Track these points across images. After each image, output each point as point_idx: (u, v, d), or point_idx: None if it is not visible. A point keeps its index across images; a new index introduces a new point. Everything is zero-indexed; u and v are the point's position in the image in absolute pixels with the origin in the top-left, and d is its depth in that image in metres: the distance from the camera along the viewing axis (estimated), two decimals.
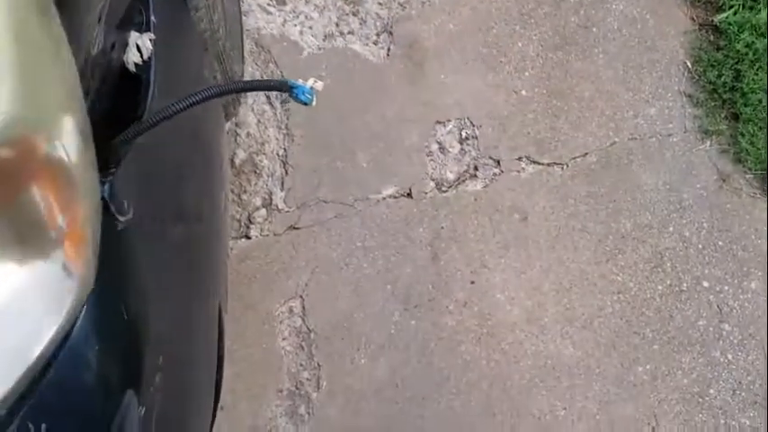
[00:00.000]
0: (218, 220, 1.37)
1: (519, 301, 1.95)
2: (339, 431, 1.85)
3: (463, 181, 2.03)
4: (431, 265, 1.95)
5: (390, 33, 2.08)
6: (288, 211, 1.96)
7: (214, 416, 1.37)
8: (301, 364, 1.89)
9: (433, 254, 1.96)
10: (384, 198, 1.99)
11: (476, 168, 2.04)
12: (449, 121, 2.06)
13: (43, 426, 0.77)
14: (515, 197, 2.02)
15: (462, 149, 2.05)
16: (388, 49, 2.09)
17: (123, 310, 0.88)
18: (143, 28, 1.07)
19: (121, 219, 0.88)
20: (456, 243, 1.97)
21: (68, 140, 0.77)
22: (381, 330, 1.91)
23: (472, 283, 1.96)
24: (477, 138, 2.06)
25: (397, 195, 2.00)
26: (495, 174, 2.04)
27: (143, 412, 0.89)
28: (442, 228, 1.98)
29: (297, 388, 1.88)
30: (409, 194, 2.00)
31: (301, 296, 1.92)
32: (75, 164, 0.78)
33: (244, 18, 1.90)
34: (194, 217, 1.24)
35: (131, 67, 1.05)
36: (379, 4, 2.08)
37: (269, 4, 1.97)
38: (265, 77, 1.92)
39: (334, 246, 1.95)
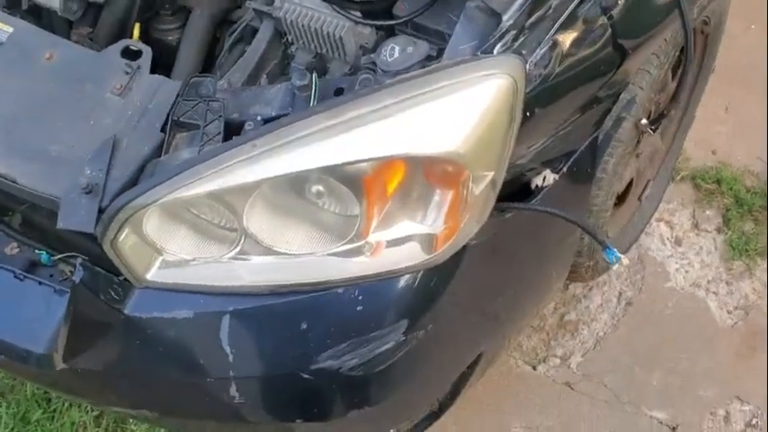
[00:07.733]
0: None
1: None
2: None
3: None
4: None
5: (747, 313, 2.31)
6: (572, 371, 2.32)
7: None
8: None
9: None
10: (651, 416, 2.24)
11: None
12: (748, 402, 2.23)
13: None
14: None
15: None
16: (735, 323, 2.34)
17: None
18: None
19: None
20: None
21: (479, 184, 1.24)
22: None
23: None
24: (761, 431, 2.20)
25: (662, 422, 2.23)
26: None
27: None
28: None
29: None
30: (673, 429, 2.22)
31: None
32: (474, 196, 1.25)
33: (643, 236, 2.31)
34: None
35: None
36: (754, 290, 2.32)
37: (668, 239, 2.36)
38: (628, 280, 2.33)
39: (551, 414, 2.23)
